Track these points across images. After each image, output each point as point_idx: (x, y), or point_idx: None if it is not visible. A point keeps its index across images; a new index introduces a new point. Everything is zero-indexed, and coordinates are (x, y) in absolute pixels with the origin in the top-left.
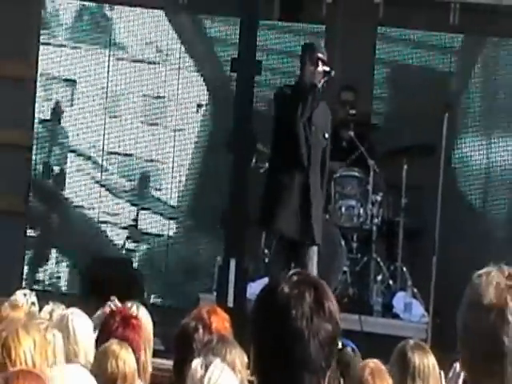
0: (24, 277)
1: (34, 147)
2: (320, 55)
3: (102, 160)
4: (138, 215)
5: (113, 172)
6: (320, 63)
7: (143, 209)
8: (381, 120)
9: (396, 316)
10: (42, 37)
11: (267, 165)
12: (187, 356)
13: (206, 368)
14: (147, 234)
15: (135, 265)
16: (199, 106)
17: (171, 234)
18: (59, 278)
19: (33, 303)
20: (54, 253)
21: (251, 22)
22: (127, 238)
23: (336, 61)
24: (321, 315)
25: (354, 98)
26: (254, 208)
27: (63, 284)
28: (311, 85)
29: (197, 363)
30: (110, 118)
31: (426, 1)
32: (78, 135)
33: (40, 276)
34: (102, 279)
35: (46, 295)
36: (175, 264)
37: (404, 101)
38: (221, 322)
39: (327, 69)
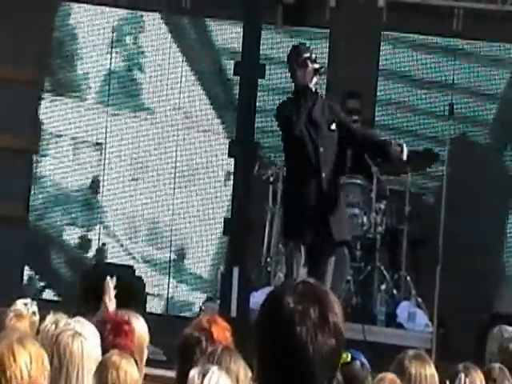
0: (24, 284)
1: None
2: (306, 55)
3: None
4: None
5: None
6: (309, 63)
7: None
8: (384, 126)
9: (400, 325)
10: None
11: (269, 172)
12: (190, 367)
13: (204, 376)
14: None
15: (137, 272)
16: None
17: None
18: (59, 285)
19: (33, 313)
20: (54, 260)
21: (254, 26)
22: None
23: (339, 65)
24: (325, 331)
25: (359, 105)
26: (257, 216)
27: (63, 292)
28: (303, 86)
29: (194, 372)
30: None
31: (429, 6)
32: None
33: (40, 284)
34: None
35: (46, 304)
36: (178, 273)
37: (408, 106)
38: (221, 331)
39: (317, 66)
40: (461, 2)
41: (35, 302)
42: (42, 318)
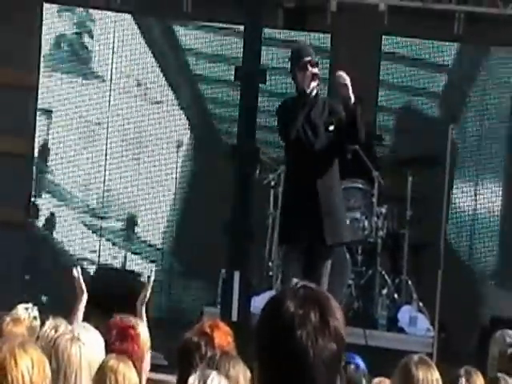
0: (25, 289)
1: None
2: (307, 59)
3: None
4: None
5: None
6: (309, 66)
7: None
8: (385, 131)
9: (401, 330)
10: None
11: (271, 176)
12: (189, 371)
13: (204, 382)
14: (150, 245)
15: (139, 277)
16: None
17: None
18: (60, 290)
19: (34, 317)
20: (54, 265)
21: (255, 30)
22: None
23: (341, 69)
24: (326, 335)
25: (360, 109)
26: (258, 220)
27: (64, 297)
28: (302, 90)
29: (194, 377)
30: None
31: (430, 10)
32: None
33: (41, 289)
34: (104, 292)
35: (47, 308)
36: (179, 276)
37: (409, 111)
38: (223, 336)
39: (315, 71)
40: (462, 5)
41: (36, 307)
42: (43, 323)
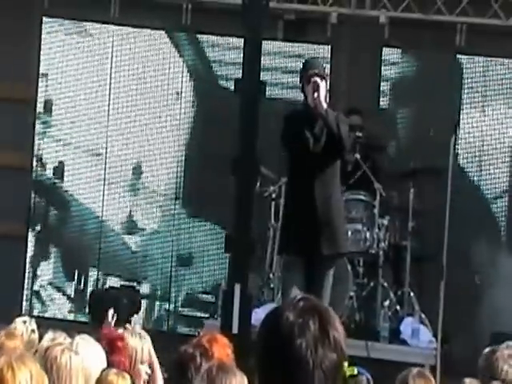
0: (24, 303)
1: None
2: (312, 71)
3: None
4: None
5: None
6: (313, 79)
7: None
8: (387, 142)
9: (403, 342)
10: None
11: (272, 189)
12: (184, 383)
13: None
14: (155, 192)
15: (139, 289)
16: (177, 93)
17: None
18: (60, 303)
19: (32, 330)
20: (53, 278)
21: (255, 42)
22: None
23: (342, 81)
24: (325, 344)
25: (361, 121)
26: (259, 232)
27: (64, 310)
28: (304, 104)
29: None
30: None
31: (431, 21)
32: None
33: (40, 302)
34: (105, 305)
35: (45, 322)
36: (180, 289)
37: (411, 123)
38: (222, 349)
39: (315, 79)
40: (464, 17)
41: (34, 320)
42: (42, 337)
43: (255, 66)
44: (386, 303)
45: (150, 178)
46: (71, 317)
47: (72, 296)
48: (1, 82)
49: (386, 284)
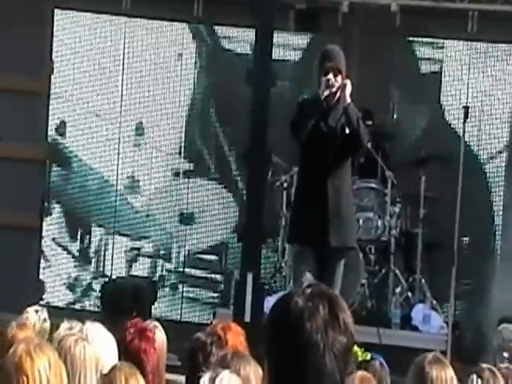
0: (38, 293)
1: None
2: (328, 65)
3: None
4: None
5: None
6: (330, 77)
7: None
8: (398, 130)
9: (415, 328)
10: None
11: (283, 178)
12: (197, 371)
13: (214, 381)
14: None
15: (153, 279)
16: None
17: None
18: (75, 295)
19: (44, 319)
20: (68, 269)
21: (266, 33)
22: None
23: (353, 70)
24: (335, 327)
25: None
26: (271, 222)
27: (79, 301)
28: (315, 95)
29: (205, 378)
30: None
31: (443, 9)
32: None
33: (54, 293)
34: (119, 296)
35: (60, 312)
36: (192, 278)
37: (423, 110)
38: (236, 337)
39: (329, 77)
40: (475, 4)
41: (45, 309)
42: (56, 326)
43: (266, 57)
44: (398, 290)
45: (154, 135)
46: (79, 306)
47: (76, 255)
48: (14, 74)
49: (397, 271)
